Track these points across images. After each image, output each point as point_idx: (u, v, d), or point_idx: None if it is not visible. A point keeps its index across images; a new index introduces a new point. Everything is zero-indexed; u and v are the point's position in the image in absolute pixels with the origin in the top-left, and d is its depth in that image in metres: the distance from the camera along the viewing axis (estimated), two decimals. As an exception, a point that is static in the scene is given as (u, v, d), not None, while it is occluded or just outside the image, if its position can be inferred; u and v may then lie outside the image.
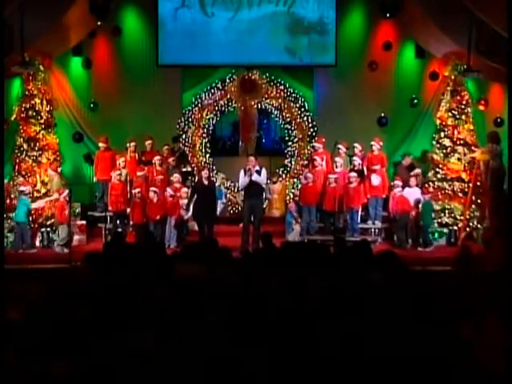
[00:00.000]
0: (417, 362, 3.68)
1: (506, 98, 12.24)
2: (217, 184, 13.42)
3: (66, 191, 12.15)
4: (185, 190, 12.62)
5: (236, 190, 14.15)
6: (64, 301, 4.59)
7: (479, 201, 12.72)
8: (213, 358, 3.66)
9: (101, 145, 13.37)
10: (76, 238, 12.45)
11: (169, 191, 12.32)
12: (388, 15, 14.18)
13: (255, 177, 11.62)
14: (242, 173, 11.77)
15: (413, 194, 12.52)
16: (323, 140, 13.39)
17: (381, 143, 12.93)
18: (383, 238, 12.72)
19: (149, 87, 14.79)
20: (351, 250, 6.80)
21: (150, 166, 12.99)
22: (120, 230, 12.03)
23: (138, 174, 12.80)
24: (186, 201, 12.38)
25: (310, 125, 14.82)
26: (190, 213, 12.24)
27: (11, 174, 12.93)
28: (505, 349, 4.03)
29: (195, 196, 12.03)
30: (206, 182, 12.09)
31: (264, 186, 12.13)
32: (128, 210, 12.39)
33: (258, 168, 11.75)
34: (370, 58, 14.93)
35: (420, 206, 12.35)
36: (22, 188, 12.38)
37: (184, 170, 13.75)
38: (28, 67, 12.57)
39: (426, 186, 13.18)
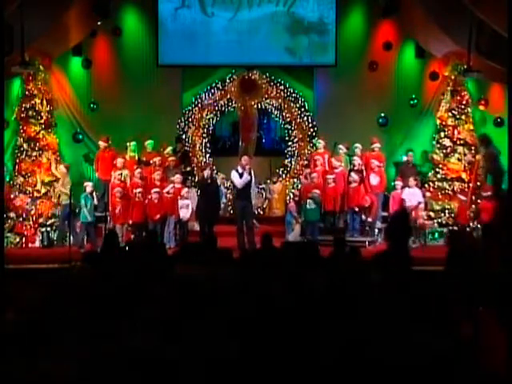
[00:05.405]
0: (417, 362, 3.68)
1: (506, 97, 12.23)
2: (217, 184, 13.45)
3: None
4: (185, 190, 12.63)
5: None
6: (63, 301, 4.60)
7: (479, 201, 12.73)
8: (213, 358, 3.66)
9: (101, 143, 13.35)
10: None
11: (171, 186, 12.36)
12: (388, 15, 14.17)
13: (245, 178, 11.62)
14: (234, 173, 11.77)
15: (413, 194, 12.51)
16: (325, 140, 13.40)
17: (377, 143, 12.98)
18: (383, 238, 12.73)
19: (149, 87, 14.76)
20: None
21: (150, 166, 12.98)
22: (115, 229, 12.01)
23: (136, 173, 12.76)
24: (186, 201, 12.40)
25: (310, 125, 14.82)
26: (189, 212, 12.27)
27: (11, 174, 12.93)
28: (505, 348, 4.03)
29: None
30: (208, 181, 12.15)
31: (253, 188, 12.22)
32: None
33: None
34: (370, 57, 14.92)
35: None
36: (86, 184, 12.47)
37: (184, 170, 13.75)
38: (28, 67, 12.55)
39: (426, 185, 13.19)
